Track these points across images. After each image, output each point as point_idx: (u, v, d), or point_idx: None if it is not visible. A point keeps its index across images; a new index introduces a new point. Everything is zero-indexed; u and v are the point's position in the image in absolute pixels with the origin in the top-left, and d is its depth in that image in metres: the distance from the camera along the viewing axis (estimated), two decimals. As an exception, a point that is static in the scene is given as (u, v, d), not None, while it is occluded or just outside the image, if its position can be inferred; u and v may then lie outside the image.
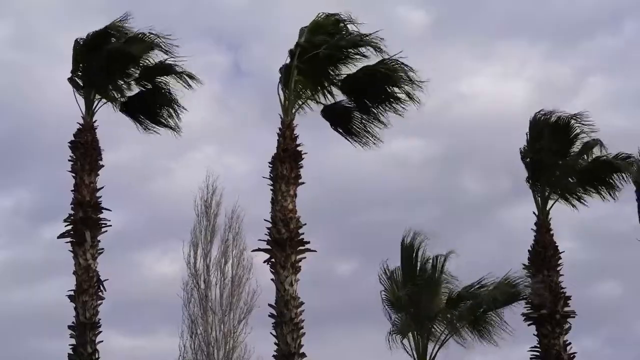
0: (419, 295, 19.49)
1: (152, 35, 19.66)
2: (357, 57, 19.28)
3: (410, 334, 19.61)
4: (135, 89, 20.46)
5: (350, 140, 20.14)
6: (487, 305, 19.40)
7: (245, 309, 31.24)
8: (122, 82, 20.18)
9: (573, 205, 21.16)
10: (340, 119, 20.10)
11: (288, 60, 19.19)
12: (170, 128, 20.64)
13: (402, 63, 19.01)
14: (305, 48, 18.99)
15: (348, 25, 19.25)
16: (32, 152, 40.44)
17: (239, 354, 30.93)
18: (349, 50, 19.27)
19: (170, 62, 19.86)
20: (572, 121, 20.80)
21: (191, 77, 19.89)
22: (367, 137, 20.03)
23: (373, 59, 19.20)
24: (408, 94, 19.22)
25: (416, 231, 20.38)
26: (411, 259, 20.26)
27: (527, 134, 20.96)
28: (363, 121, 19.97)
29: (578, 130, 20.84)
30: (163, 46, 19.67)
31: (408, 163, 41.66)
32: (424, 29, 43.41)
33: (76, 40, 19.74)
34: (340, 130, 20.18)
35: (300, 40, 19.13)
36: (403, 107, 19.40)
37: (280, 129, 18.88)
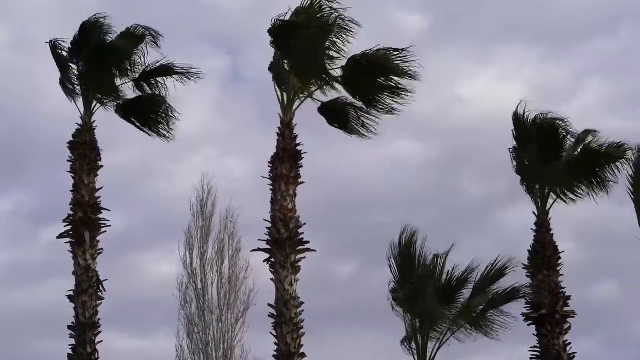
0: (417, 294, 19.25)
1: (140, 29, 19.52)
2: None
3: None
4: (132, 93, 20.31)
5: (348, 133, 20.04)
6: (482, 293, 19.20)
7: (242, 307, 31.41)
8: (116, 85, 19.98)
9: (568, 201, 20.87)
10: (337, 116, 19.93)
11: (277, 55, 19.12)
12: (164, 136, 20.47)
13: (392, 48, 18.88)
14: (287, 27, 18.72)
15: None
16: (32, 154, 40.42)
17: (237, 354, 31.02)
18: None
19: (168, 63, 19.79)
20: (557, 124, 20.50)
21: (189, 73, 19.76)
22: (365, 129, 19.88)
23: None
24: (404, 73, 19.00)
25: (413, 229, 19.94)
26: (409, 258, 19.87)
27: (512, 132, 20.81)
28: (360, 116, 19.80)
29: (565, 133, 20.59)
30: (152, 39, 19.59)
31: (407, 165, 41.72)
32: (421, 33, 43.43)
33: (53, 44, 19.52)
34: (337, 126, 20.04)
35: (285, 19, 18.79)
36: (399, 94, 19.31)
37: (279, 128, 18.88)
